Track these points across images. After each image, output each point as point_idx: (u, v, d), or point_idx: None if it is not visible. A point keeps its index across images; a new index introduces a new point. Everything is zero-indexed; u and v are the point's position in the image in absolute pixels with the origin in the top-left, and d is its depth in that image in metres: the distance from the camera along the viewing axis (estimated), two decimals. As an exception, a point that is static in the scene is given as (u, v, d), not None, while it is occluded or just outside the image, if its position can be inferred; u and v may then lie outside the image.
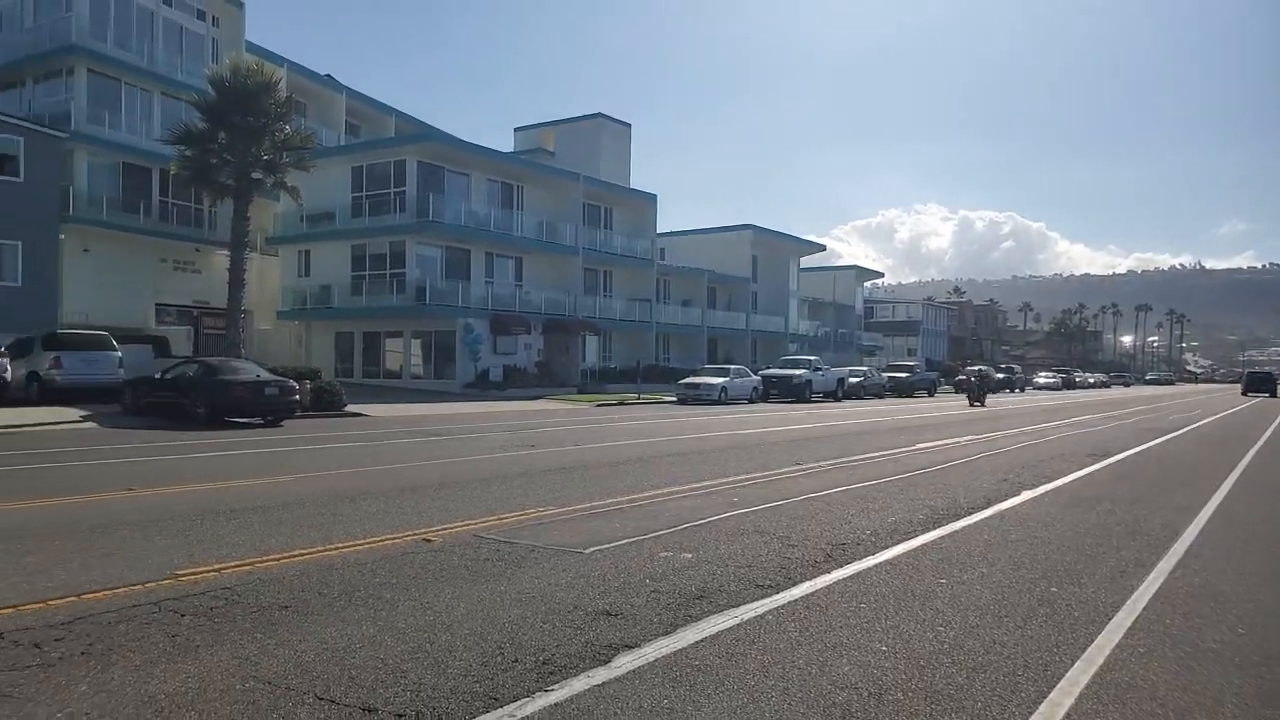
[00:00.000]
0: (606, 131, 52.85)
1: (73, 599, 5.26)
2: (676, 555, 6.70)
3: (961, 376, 46.18)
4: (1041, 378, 77.75)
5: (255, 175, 27.74)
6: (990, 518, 8.83)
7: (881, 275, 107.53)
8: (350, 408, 24.42)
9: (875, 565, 6.59)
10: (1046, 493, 10.73)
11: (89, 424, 18.90)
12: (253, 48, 38.91)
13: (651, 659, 4.37)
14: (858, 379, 44.97)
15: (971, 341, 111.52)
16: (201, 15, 39.56)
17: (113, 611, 5.02)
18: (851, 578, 6.19)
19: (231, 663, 4.23)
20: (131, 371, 23.08)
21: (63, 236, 29.48)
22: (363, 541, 7.06)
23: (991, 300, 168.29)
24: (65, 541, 6.87)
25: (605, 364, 46.66)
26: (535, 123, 55.31)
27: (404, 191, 38.06)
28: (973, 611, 5.40)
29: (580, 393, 38.53)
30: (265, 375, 20.89)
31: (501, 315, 39.32)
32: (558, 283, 44.18)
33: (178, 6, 38.58)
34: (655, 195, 50.86)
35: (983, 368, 48.66)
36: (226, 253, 29.98)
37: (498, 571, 6.14)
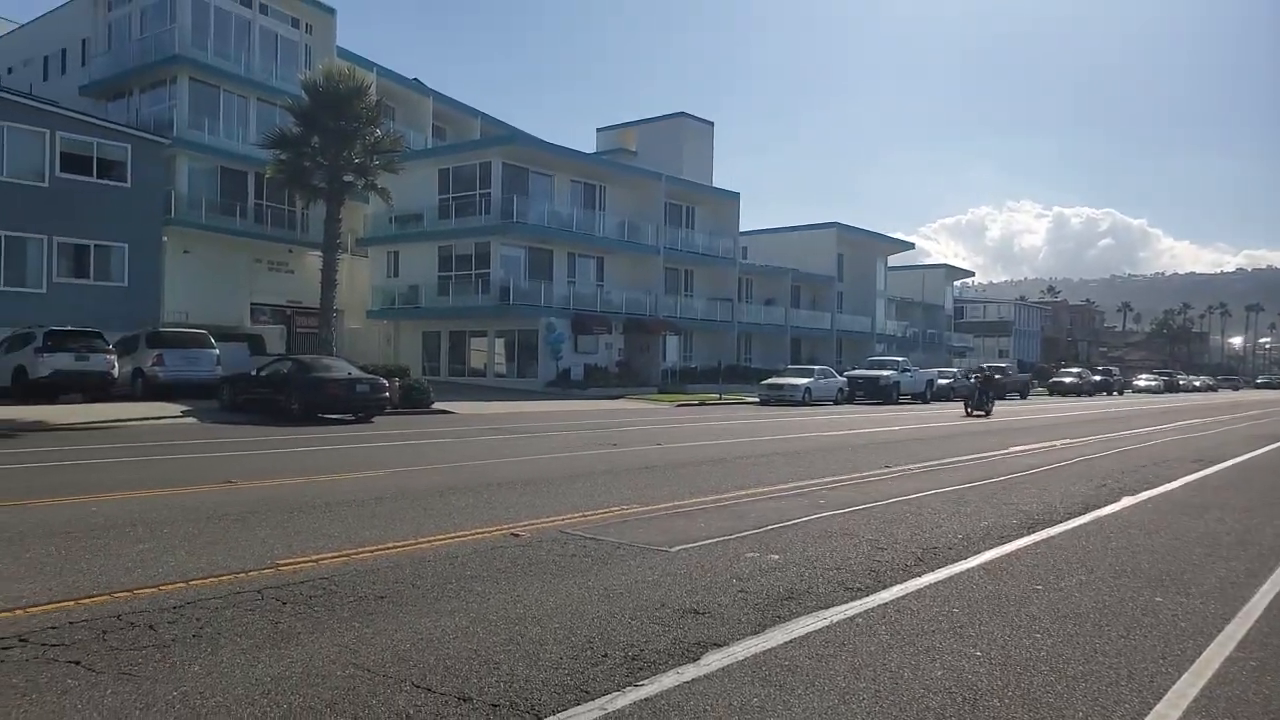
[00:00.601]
0: (688, 130, 52.86)
1: (182, 585, 5.55)
2: (763, 556, 6.69)
3: (971, 379, 34.24)
4: (1141, 380, 74.74)
5: (347, 178, 28.63)
6: (1089, 524, 8.55)
7: (972, 274, 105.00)
8: (437, 405, 25.01)
9: (968, 570, 6.47)
10: (1149, 499, 10.34)
11: (189, 419, 19.81)
12: (343, 53, 40.18)
13: (740, 658, 4.39)
14: (947, 380, 43.97)
15: (1066, 343, 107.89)
16: (295, 23, 41.05)
17: (219, 598, 5.28)
18: (943, 582, 6.09)
19: (332, 650, 4.41)
20: (229, 369, 24.11)
21: (165, 238, 30.96)
22: (453, 535, 7.25)
23: (1088, 300, 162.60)
24: (173, 530, 7.24)
25: (686, 364, 46.68)
26: (617, 123, 55.70)
27: (489, 193, 38.79)
28: (1071, 619, 5.26)
29: (661, 392, 38.64)
30: (356, 373, 21.57)
31: (583, 315, 39.72)
32: (639, 282, 44.39)
33: (273, 15, 40.11)
34: (738, 193, 50.67)
35: (993, 367, 38.68)
36: (318, 254, 31.05)
37: (584, 567, 6.23)
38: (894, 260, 68.88)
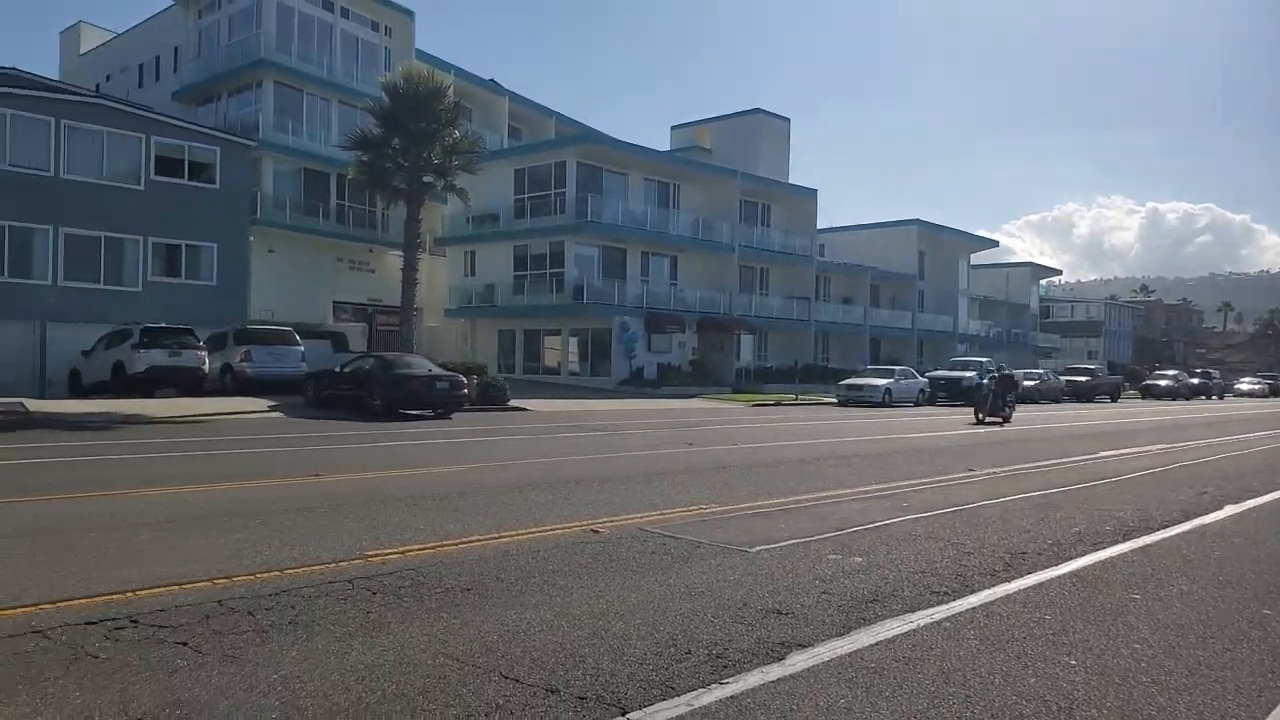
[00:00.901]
0: (764, 127, 52.54)
1: (276, 573, 5.78)
2: (846, 558, 6.65)
3: (985, 380, 26.48)
4: (1244, 384, 71.45)
5: (426, 179, 29.25)
6: (1189, 532, 8.26)
7: (1059, 273, 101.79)
8: (512, 402, 25.40)
9: (1059, 576, 6.32)
10: (1254, 508, 9.92)
11: (276, 413, 20.52)
12: (422, 55, 41.07)
13: (826, 658, 4.39)
14: (1032, 382, 42.78)
15: (1161, 344, 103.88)
16: (375, 26, 42.12)
17: (311, 586, 5.49)
18: (1034, 588, 5.96)
19: (422, 639, 4.55)
20: (313, 365, 24.88)
21: (251, 238, 32.07)
22: (534, 530, 7.38)
23: (1184, 299, 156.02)
24: (265, 521, 7.53)
25: (761, 363, 46.42)
26: (691, 120, 55.58)
27: (563, 193, 39.20)
28: (1172, 630, 5.10)
29: (735, 392, 38.50)
30: (436, 370, 22.06)
31: (656, 313, 39.83)
32: (713, 281, 44.31)
33: (354, 19, 41.24)
34: (815, 190, 50.21)
35: (1006, 369, 29.81)
36: (398, 253, 31.81)
37: (665, 565, 6.28)
38: (977, 258, 67.32)
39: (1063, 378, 47.84)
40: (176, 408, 19.94)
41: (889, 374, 36.50)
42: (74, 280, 26.73)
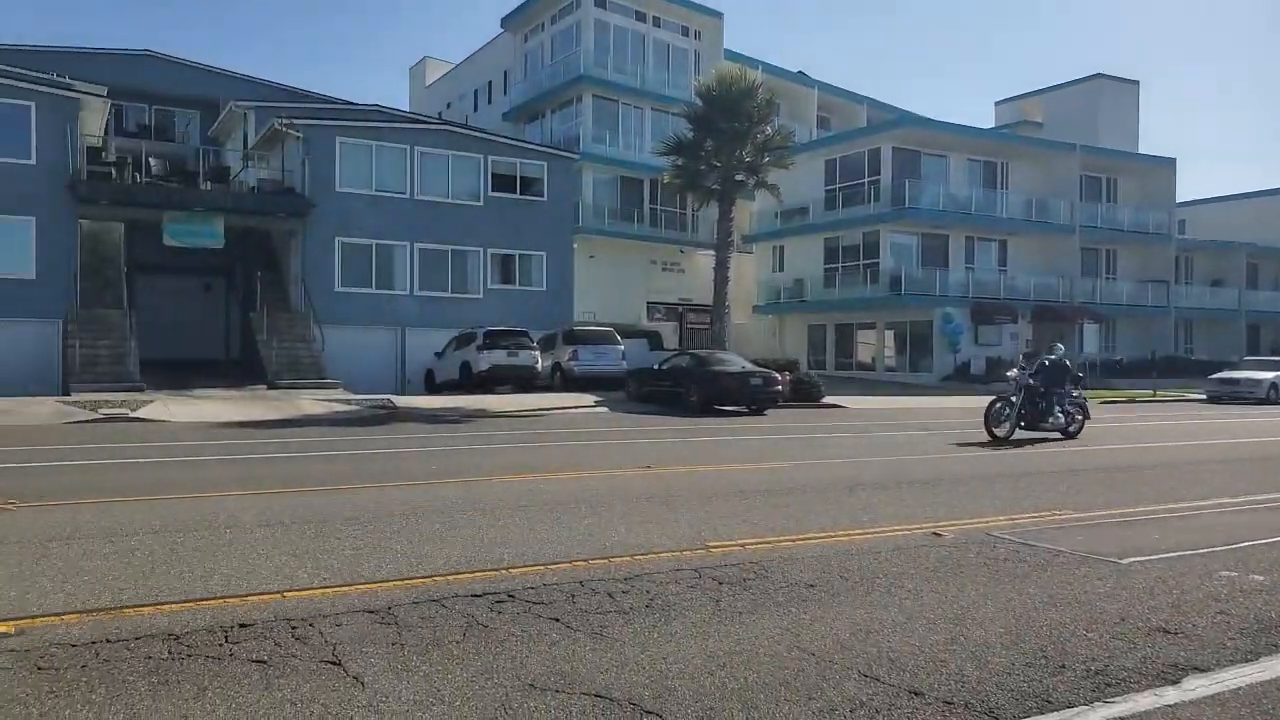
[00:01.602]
0: (1106, 93, 47.82)
1: (628, 559, 6.20)
2: (1244, 576, 5.90)
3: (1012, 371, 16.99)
4: None
5: (738, 177, 29.89)
6: None
7: None
8: (827, 399, 25.24)
9: None
10: None
11: (601, 408, 21.99)
12: (730, 55, 42.01)
13: (1232, 686, 3.93)
14: None
15: None
16: (685, 31, 43.70)
17: (661, 573, 5.83)
18: None
19: (774, 631, 4.67)
20: (632, 363, 26.39)
21: (575, 245, 34.62)
22: (870, 530, 7.30)
23: None
24: (609, 508, 8.10)
25: (1108, 355, 42.28)
26: (1018, 94, 51.89)
27: (878, 180, 38.26)
28: None
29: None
30: (749, 367, 22.53)
31: (983, 303, 37.66)
32: (1049, 265, 41.08)
33: (665, 27, 43.07)
34: (1172, 159, 44.81)
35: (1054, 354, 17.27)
36: (707, 253, 32.85)
37: (1021, 573, 5.95)
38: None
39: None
40: (514, 403, 22.03)
41: (1273, 366, 31.72)
42: (426, 290, 30.39)
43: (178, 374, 24.83)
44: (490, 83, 48.93)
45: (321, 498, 8.68)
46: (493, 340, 25.45)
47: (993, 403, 15.88)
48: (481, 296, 31.29)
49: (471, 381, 25.36)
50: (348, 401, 21.58)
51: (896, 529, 7.37)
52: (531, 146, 34.29)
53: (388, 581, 5.54)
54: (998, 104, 53.28)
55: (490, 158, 31.82)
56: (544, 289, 32.42)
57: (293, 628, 4.57)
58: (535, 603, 5.13)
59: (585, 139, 39.67)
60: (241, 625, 4.58)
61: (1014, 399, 15.43)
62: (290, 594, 5.21)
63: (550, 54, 43.22)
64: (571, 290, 33.36)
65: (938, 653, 4.34)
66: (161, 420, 17.31)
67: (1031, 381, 15.57)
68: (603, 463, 11.90)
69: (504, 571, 5.81)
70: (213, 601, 5.02)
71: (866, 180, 38.93)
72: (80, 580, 5.42)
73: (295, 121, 28.89)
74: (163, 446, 13.39)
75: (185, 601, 5.01)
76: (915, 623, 4.82)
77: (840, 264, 40.03)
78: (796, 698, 3.78)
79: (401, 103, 55.73)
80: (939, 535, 7.11)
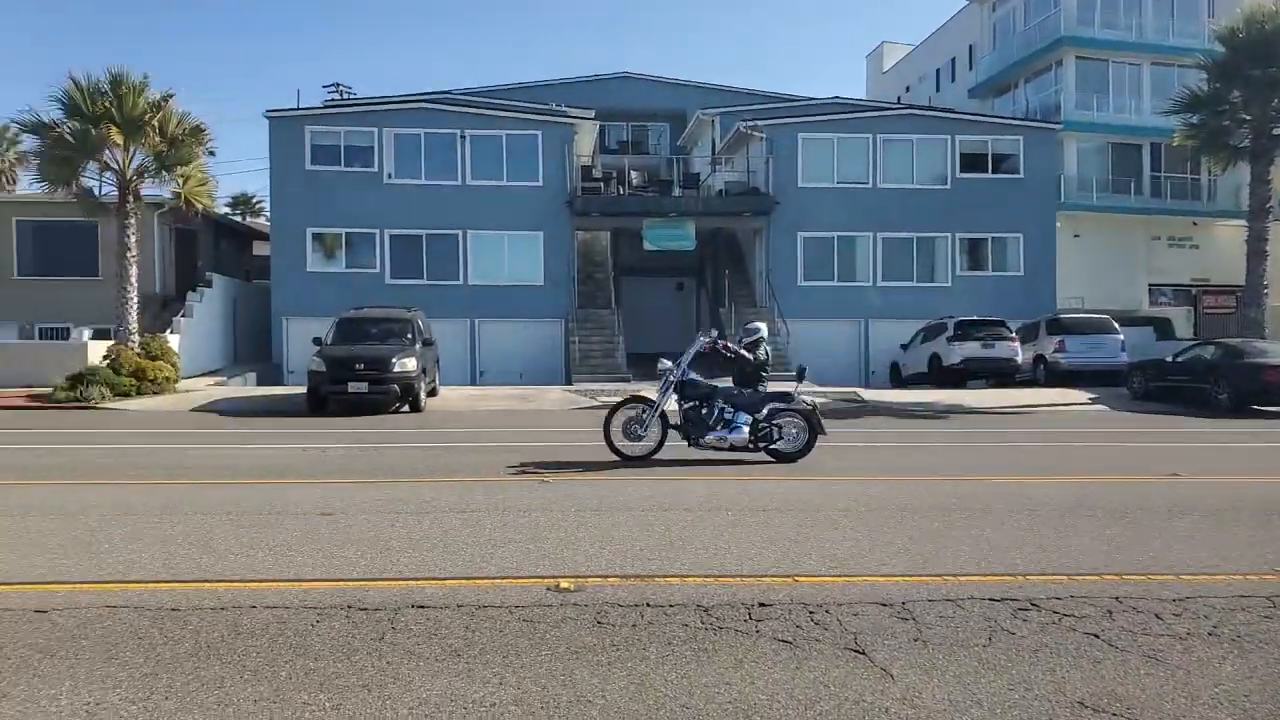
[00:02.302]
0: None
1: (1172, 577, 5.48)
2: None
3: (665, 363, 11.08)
4: None
5: (1276, 132, 25.46)
6: None
7: None
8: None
9: None
10: None
11: (1098, 406, 19.95)
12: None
13: None
14: None
15: None
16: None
17: (1221, 598, 5.04)
18: None
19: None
20: (1133, 354, 23.62)
21: (1057, 224, 31.94)
22: None
23: None
24: (1135, 519, 7.24)
25: None
26: None
27: None
28: None
29: None
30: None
31: None
32: None
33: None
34: None
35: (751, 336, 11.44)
36: (1230, 224, 28.33)
37: None
38: None
39: None
40: (993, 398, 20.88)
41: None
42: (890, 280, 30.02)
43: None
44: (953, 59, 47.06)
45: (813, 487, 8.88)
46: (965, 331, 24.38)
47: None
48: (949, 285, 30.19)
49: (941, 375, 24.56)
50: (814, 393, 22.05)
51: None
52: (1005, 121, 32.37)
53: (894, 576, 5.49)
54: None
55: (957, 137, 30.58)
56: (1020, 274, 30.39)
57: (810, 612, 4.69)
58: (1064, 614, 4.73)
59: (1067, 106, 36.37)
60: (761, 604, 4.81)
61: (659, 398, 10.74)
62: (801, 578, 5.37)
63: (1024, 19, 40.37)
64: (1053, 274, 30.87)
65: None
66: (650, 410, 19.17)
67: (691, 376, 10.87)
68: (1118, 465, 10.77)
69: (1020, 578, 5.45)
70: (730, 579, 5.35)
71: None
72: (614, 548, 6.10)
73: (759, 123, 30.27)
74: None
75: (706, 576, 5.39)
76: None
77: None
78: None
79: (858, 91, 55.91)
80: None
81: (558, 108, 29.95)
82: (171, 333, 23.51)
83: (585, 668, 3.93)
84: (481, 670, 3.89)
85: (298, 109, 28.68)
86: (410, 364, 17.77)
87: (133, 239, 21.28)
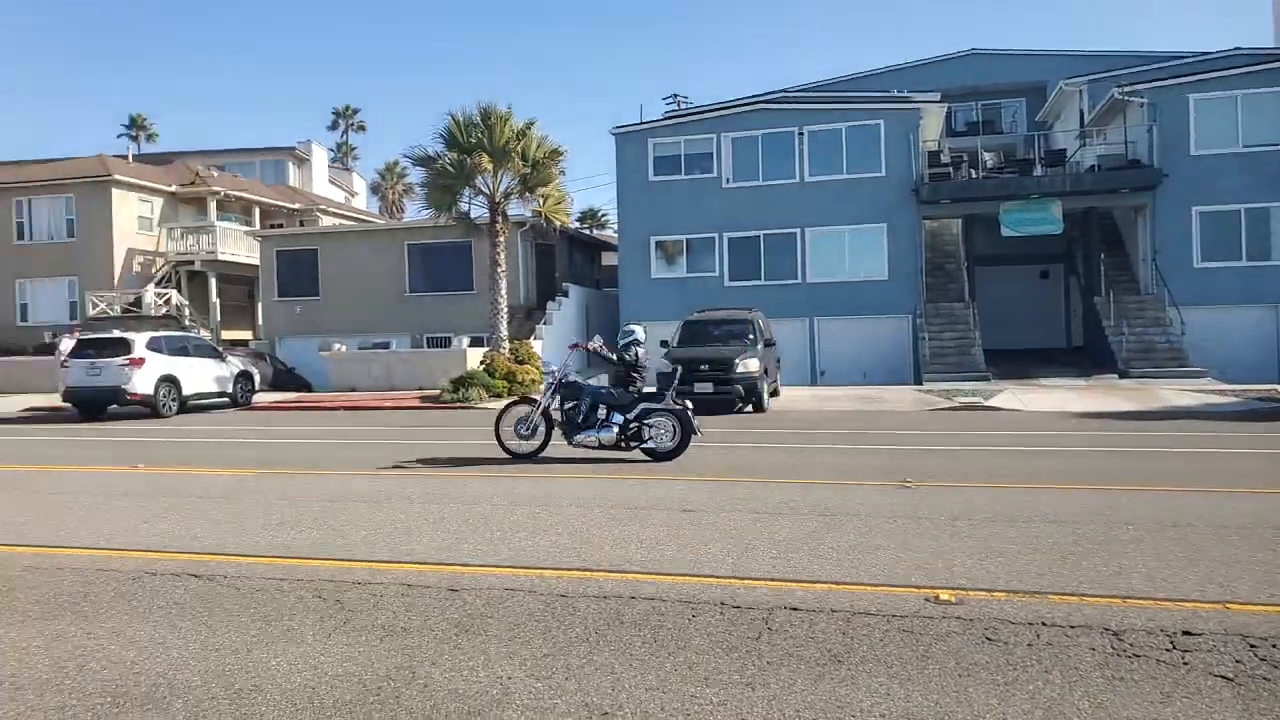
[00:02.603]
0: None
1: None
2: None
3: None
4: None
5: None
6: None
7: None
8: None
9: None
10: None
11: None
12: None
13: None
14: None
15: None
16: None
17: None
18: None
19: None
20: None
21: None
22: None
23: None
24: None
25: None
26: None
27: None
28: None
29: None
30: None
31: None
32: None
33: None
34: None
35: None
36: None
37: None
38: None
39: None
40: None
41: None
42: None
43: (1018, 363, 25.78)
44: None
45: (1220, 499, 7.77)
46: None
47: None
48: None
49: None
50: (1220, 392, 19.48)
51: None
52: None
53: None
54: None
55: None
56: None
57: (1251, 646, 4.04)
58: None
59: None
60: (1185, 633, 4.22)
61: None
62: (1233, 605, 4.66)
63: None
64: None
65: None
66: (1014, 409, 17.83)
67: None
68: None
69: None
70: (1144, 601, 4.76)
71: None
72: (995, 560, 5.69)
73: (1138, 86, 27.24)
74: (1025, 435, 13.73)
75: (1110, 597, 4.84)
76: None
77: None
78: None
79: (1264, 40, 48.69)
80: None
81: (900, 93, 29.04)
82: (535, 339, 25.71)
83: (979, 686, 3.65)
84: (866, 679, 3.75)
85: (641, 123, 30.14)
86: (753, 364, 18.01)
87: (502, 255, 23.59)
